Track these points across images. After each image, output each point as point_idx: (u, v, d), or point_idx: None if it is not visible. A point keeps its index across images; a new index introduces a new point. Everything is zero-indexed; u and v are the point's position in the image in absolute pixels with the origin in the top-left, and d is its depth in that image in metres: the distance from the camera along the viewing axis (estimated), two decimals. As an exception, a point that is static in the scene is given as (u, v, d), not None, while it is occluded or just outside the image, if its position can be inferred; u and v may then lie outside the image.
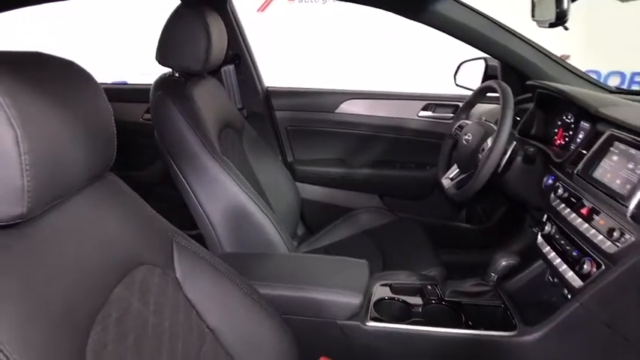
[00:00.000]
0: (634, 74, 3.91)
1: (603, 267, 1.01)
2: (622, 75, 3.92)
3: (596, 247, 1.03)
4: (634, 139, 1.05)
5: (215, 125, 1.45)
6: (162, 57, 1.40)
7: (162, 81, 1.45)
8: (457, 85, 1.93)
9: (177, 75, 1.45)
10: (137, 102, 2.06)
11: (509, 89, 1.35)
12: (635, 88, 3.88)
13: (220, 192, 1.35)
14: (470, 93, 1.67)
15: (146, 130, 1.58)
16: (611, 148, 1.13)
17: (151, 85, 1.46)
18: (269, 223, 1.38)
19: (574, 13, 1.24)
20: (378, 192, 2.18)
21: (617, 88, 1.74)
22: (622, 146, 1.09)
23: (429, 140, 2.03)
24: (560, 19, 1.13)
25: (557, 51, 1.70)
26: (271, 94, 2.07)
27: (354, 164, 2.13)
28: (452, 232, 2.08)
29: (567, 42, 3.54)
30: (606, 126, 1.18)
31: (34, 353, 0.52)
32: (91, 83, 0.69)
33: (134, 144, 1.76)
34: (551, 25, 1.18)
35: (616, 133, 1.13)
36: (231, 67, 1.92)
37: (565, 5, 1.13)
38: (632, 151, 1.05)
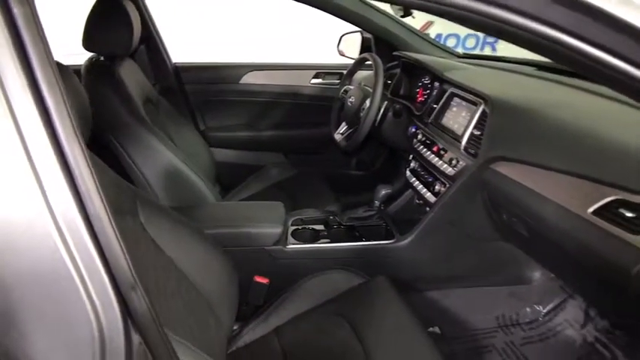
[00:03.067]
0: (486, 36, 4.46)
1: (447, 185, 1.42)
2: (477, 37, 4.44)
3: (442, 173, 1.43)
4: (465, 94, 1.44)
5: (139, 101, 1.59)
6: (89, 44, 1.49)
7: (92, 65, 1.55)
8: (340, 54, 2.22)
9: (102, 59, 1.57)
10: None
11: (379, 61, 1.65)
12: (486, 48, 4.48)
13: (155, 157, 1.52)
14: (351, 61, 1.98)
15: None
16: (452, 102, 1.51)
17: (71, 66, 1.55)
18: (198, 180, 1.59)
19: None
20: (282, 150, 2.44)
21: (464, 53, 2.12)
22: (458, 100, 1.48)
23: (321, 103, 2.30)
24: (406, 13, 1.48)
25: (423, 18, 1.96)
26: (180, 69, 2.22)
27: (260, 127, 2.37)
28: (346, 178, 2.40)
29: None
30: (449, 86, 1.55)
31: None
32: (68, 71, 0.88)
33: None
34: (402, 16, 1.54)
35: (454, 91, 1.51)
36: (142, 47, 2.05)
37: (407, 6, 1.45)
38: (464, 103, 1.44)
